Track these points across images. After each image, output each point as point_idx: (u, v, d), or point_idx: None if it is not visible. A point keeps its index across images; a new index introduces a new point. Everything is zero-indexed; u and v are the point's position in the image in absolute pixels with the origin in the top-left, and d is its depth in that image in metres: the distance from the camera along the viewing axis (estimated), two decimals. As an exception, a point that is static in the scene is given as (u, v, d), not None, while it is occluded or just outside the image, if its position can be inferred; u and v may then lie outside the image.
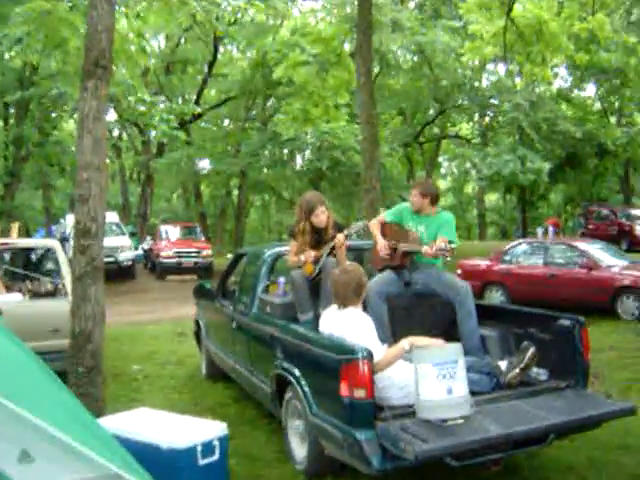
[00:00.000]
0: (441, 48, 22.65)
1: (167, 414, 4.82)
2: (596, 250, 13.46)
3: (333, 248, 5.80)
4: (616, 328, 11.39)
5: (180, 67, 37.05)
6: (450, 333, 5.56)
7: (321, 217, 5.85)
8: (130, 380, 8.56)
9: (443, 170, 53.21)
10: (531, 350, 4.82)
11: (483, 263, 14.64)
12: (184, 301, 15.17)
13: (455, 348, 4.29)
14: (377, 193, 14.45)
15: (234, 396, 7.41)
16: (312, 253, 5.79)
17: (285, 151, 33.12)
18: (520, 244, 14.95)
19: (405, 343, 4.39)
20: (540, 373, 5.02)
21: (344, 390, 4.15)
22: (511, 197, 35.89)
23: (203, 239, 26.16)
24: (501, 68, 26.83)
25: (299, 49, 17.00)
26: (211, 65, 31.99)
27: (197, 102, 31.08)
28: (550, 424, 4.15)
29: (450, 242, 5.35)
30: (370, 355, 4.14)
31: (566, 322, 4.94)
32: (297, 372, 4.86)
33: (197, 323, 8.72)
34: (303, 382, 4.77)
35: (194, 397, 7.61)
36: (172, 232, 26.15)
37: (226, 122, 41.23)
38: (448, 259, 5.50)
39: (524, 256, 14.21)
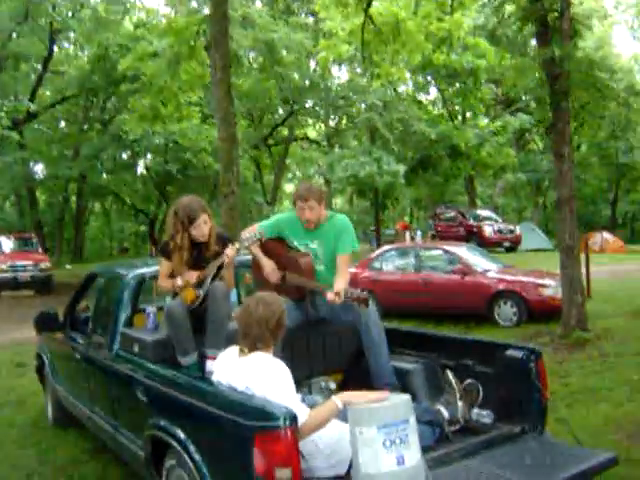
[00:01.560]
0: (293, 46, 21.79)
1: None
2: (469, 254, 12.97)
3: (220, 267, 4.63)
4: (497, 336, 10.83)
5: (12, 63, 34.13)
6: (361, 366, 4.60)
7: (203, 228, 4.62)
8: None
9: (290, 174, 52.77)
10: (479, 391, 3.90)
11: (349, 271, 13.75)
12: (22, 321, 13.14)
13: (404, 403, 3.22)
14: (236, 198, 13.29)
15: (91, 449, 6.01)
16: (194, 274, 4.57)
17: (124, 156, 31.21)
18: (390, 249, 14.22)
19: (337, 400, 3.29)
20: (483, 415, 4.07)
21: (259, 467, 3.01)
22: (359, 200, 35.80)
23: (40, 250, 24.00)
24: (355, 68, 26.31)
25: (146, 42, 15.55)
26: (46, 62, 29.53)
27: (31, 101, 28.56)
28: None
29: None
30: (294, 419, 3.03)
31: (517, 353, 4.02)
32: (181, 434, 3.66)
33: (40, 357, 7.15)
34: (192, 449, 3.57)
35: (40, 452, 6.15)
36: (5, 243, 23.74)
37: (62, 124, 38.54)
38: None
39: (394, 262, 13.51)
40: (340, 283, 4.45)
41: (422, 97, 35.74)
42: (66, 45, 34.17)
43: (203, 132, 23.64)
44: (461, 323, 11.90)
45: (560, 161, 10.21)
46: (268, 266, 4.85)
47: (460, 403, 3.86)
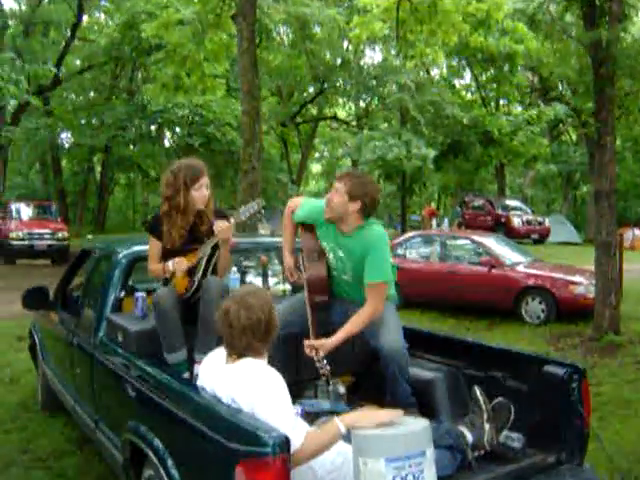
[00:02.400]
0: (325, 22, 21.10)
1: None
2: (498, 245, 12.33)
3: (216, 247, 4.05)
4: (523, 334, 10.27)
5: (41, 30, 33.75)
6: (374, 369, 4.07)
7: (204, 192, 4.01)
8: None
9: (317, 154, 52.19)
10: (510, 413, 3.33)
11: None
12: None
13: (422, 431, 2.65)
14: (257, 174, 12.73)
15: (78, 438, 5.49)
16: (185, 262, 3.95)
17: (153, 127, 30.71)
18: (415, 236, 13.59)
19: (340, 424, 2.71)
20: (512, 438, 3.50)
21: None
22: (385, 184, 35.17)
23: (59, 219, 23.64)
24: (388, 48, 25.54)
25: (172, 9, 14.96)
26: (75, 29, 29.03)
27: (57, 68, 28.13)
28: None
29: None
30: (287, 445, 2.48)
31: (558, 370, 3.41)
32: (159, 445, 3.14)
33: (31, 335, 6.65)
34: (170, 463, 3.04)
35: (24, 439, 5.64)
36: (24, 211, 23.40)
37: (91, 94, 38.13)
38: None
39: (418, 250, 12.89)
40: (335, 341, 3.81)
41: (455, 82, 34.95)
42: (96, 14, 33.75)
43: (228, 106, 23.07)
44: (485, 318, 11.32)
45: (601, 151, 9.54)
46: (287, 261, 4.26)
47: (487, 426, 3.29)
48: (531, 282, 11.09)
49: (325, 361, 3.75)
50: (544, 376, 3.47)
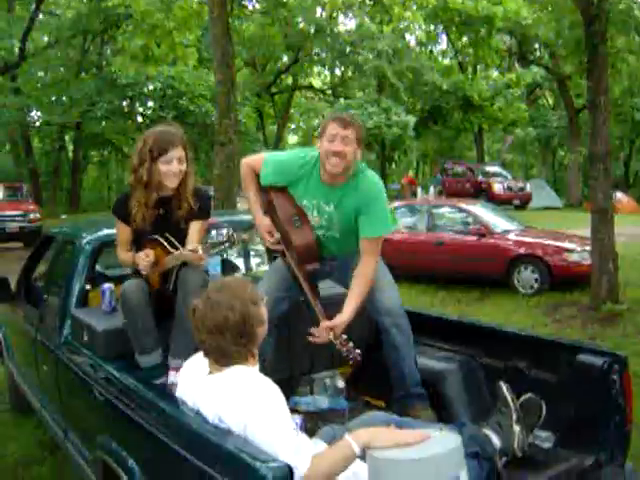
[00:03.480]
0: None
1: None
2: (486, 213, 11.90)
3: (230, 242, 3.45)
4: (517, 306, 9.89)
5: (5, 6, 32.59)
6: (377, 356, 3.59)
7: (175, 167, 3.34)
8: None
9: (294, 125, 51.53)
10: (541, 411, 2.88)
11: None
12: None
13: (453, 453, 2.14)
14: (234, 146, 12.15)
15: (49, 443, 4.92)
16: (151, 257, 3.29)
17: (125, 102, 29.86)
18: (399, 206, 13.08)
19: (353, 442, 2.17)
20: (543, 438, 3.06)
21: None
22: (365, 153, 34.61)
23: (30, 200, 22.93)
24: (364, 14, 24.84)
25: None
26: (39, 2, 28.00)
27: (23, 43, 27.16)
28: None
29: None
30: (289, 476, 1.99)
31: (595, 360, 2.95)
32: (135, 468, 2.64)
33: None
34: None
35: (-8, 444, 5.16)
36: (-7, 193, 22.69)
37: (61, 70, 37.04)
38: None
39: (404, 220, 12.40)
40: (345, 317, 3.28)
41: (432, 48, 34.36)
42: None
43: (201, 77, 22.33)
44: (476, 289, 10.91)
45: (595, 113, 9.06)
46: (261, 222, 3.60)
47: (517, 428, 2.83)
48: (523, 250, 10.66)
49: (351, 343, 3.22)
50: (578, 366, 3.02)
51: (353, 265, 3.46)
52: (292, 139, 53.60)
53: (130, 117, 31.75)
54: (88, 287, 3.97)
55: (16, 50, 22.82)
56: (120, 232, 3.51)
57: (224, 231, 3.38)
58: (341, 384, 3.85)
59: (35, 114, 35.53)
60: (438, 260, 11.26)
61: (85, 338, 3.51)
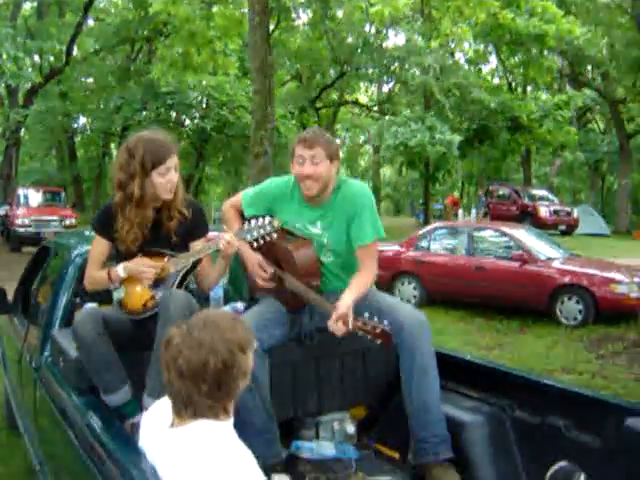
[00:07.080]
0: (346, 0, 20.10)
1: None
2: (530, 238, 11.32)
3: (197, 262, 3.03)
4: (559, 337, 9.32)
5: (56, 11, 32.86)
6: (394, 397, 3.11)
7: (172, 177, 2.96)
8: None
9: (338, 140, 51.34)
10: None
11: (392, 248, 12.00)
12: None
13: None
14: (269, 159, 11.81)
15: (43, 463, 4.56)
16: (152, 265, 2.93)
17: (173, 113, 29.82)
18: (439, 227, 12.57)
19: None
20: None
21: None
22: (408, 171, 34.11)
23: (68, 206, 22.97)
24: (412, 29, 24.45)
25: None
26: (87, 7, 28.10)
27: (69, 49, 27.25)
28: None
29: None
30: None
31: (651, 427, 2.46)
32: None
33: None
34: None
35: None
36: (32, 197, 22.79)
37: (109, 78, 37.27)
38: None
39: (443, 242, 11.89)
40: (347, 299, 2.94)
41: (481, 67, 33.85)
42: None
43: (243, 88, 22.05)
44: (516, 317, 10.36)
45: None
46: (252, 259, 3.25)
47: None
48: (567, 279, 10.08)
49: (366, 314, 2.83)
50: (627, 431, 2.51)
51: None
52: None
53: (178, 126, 31.74)
54: (78, 301, 3.55)
55: (63, 56, 22.86)
56: (99, 250, 3.08)
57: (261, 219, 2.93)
58: (351, 429, 3.37)
59: (83, 120, 35.88)
60: (477, 286, 10.73)
61: (61, 364, 3.08)
